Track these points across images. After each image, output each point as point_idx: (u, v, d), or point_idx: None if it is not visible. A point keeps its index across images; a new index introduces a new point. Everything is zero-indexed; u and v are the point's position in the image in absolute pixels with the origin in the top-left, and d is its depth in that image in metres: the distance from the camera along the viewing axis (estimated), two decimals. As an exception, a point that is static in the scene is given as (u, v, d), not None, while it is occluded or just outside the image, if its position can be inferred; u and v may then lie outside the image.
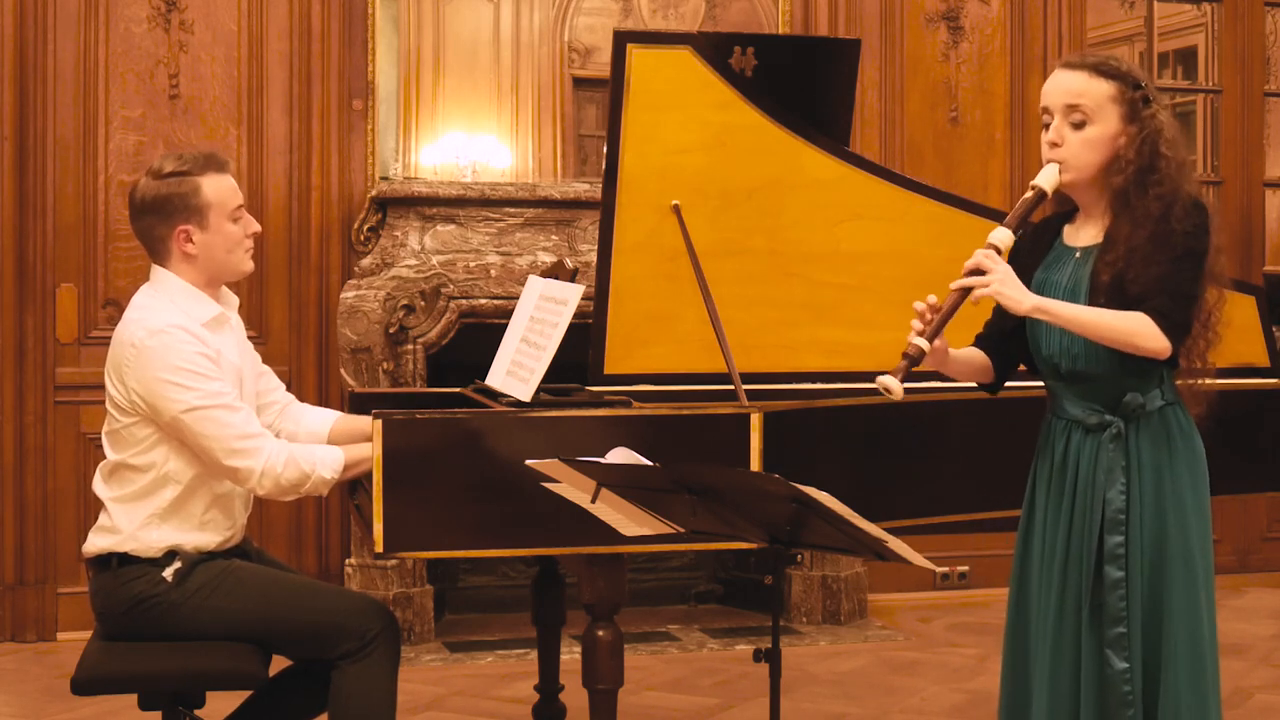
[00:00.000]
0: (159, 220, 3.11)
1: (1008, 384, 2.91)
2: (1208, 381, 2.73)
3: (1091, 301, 2.64)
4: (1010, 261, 2.66)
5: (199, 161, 3.12)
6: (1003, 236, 2.62)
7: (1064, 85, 2.67)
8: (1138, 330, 2.56)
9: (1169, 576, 2.65)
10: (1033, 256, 2.78)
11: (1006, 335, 2.80)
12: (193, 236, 3.10)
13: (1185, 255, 2.60)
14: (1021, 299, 2.56)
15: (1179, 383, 2.72)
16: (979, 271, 2.57)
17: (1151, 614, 2.65)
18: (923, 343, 2.56)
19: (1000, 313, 2.74)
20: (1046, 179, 2.66)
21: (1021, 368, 2.87)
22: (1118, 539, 2.64)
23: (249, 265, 3.20)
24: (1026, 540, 2.81)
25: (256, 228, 3.21)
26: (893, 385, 2.51)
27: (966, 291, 2.57)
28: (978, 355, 2.84)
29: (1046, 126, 2.70)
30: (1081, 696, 2.66)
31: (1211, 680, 2.69)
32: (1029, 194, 2.67)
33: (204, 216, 3.10)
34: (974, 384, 2.88)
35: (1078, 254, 2.73)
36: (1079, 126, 2.65)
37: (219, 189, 3.11)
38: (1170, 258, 2.60)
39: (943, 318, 2.58)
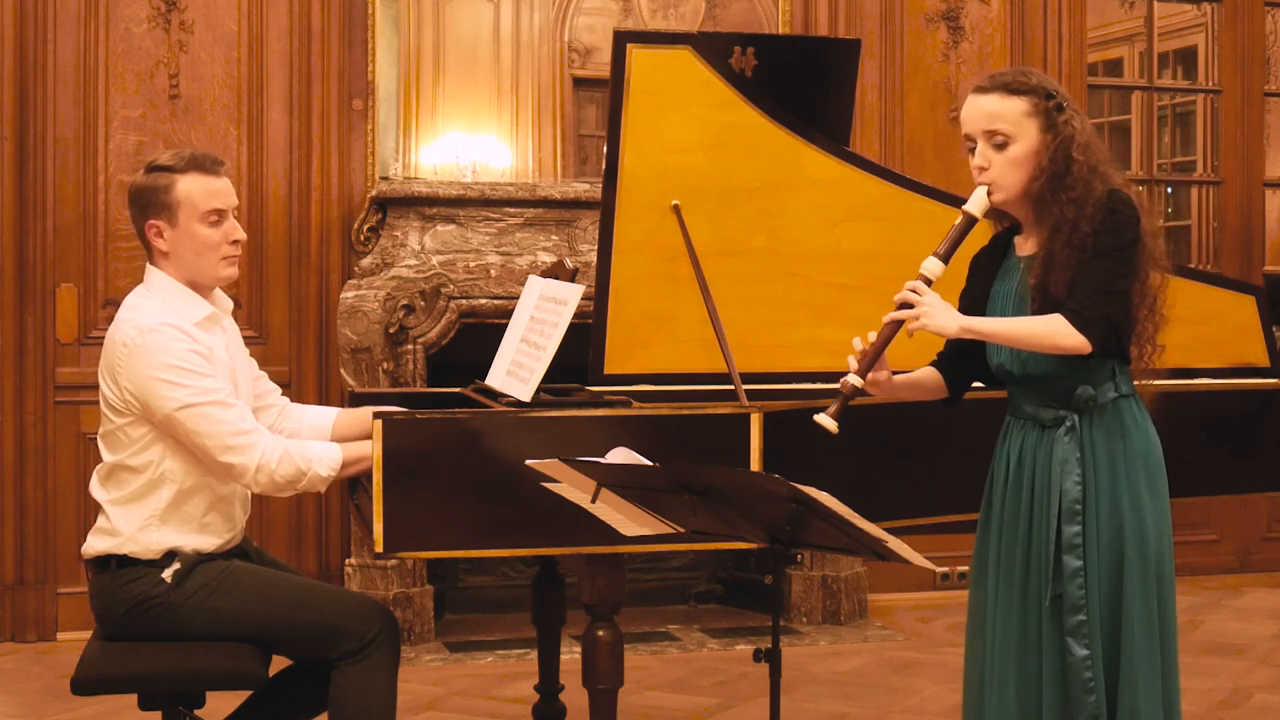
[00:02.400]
0: (136, 212, 3.13)
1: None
2: (1158, 383, 2.79)
3: (1031, 308, 2.70)
4: (972, 277, 2.78)
5: (185, 160, 3.10)
6: (933, 267, 2.69)
7: (980, 109, 2.72)
8: (1053, 331, 2.63)
9: (1126, 565, 2.69)
10: (989, 270, 2.85)
11: (964, 353, 2.87)
12: (163, 233, 3.09)
13: (1098, 254, 2.64)
14: (948, 324, 2.65)
15: (1137, 382, 2.77)
16: (908, 305, 2.65)
17: (1111, 603, 2.69)
18: (854, 379, 2.66)
19: None
20: (975, 204, 2.72)
21: (978, 385, 2.93)
22: (1075, 529, 2.69)
23: (226, 272, 3.14)
24: (984, 539, 2.86)
25: (239, 235, 3.15)
26: (827, 423, 2.62)
27: (898, 324, 2.66)
28: (928, 377, 2.91)
29: (971, 152, 2.74)
30: (1044, 685, 2.71)
31: (1169, 668, 2.73)
32: (959, 220, 2.72)
33: (173, 214, 3.08)
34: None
35: (1022, 264, 2.79)
36: (1001, 147, 2.70)
37: (194, 189, 3.08)
38: (1083, 260, 2.64)
39: (875, 351, 2.68)
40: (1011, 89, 2.70)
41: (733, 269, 3.58)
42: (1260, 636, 5.46)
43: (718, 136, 3.58)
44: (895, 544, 2.36)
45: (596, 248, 3.58)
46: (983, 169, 2.72)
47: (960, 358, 2.88)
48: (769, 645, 2.61)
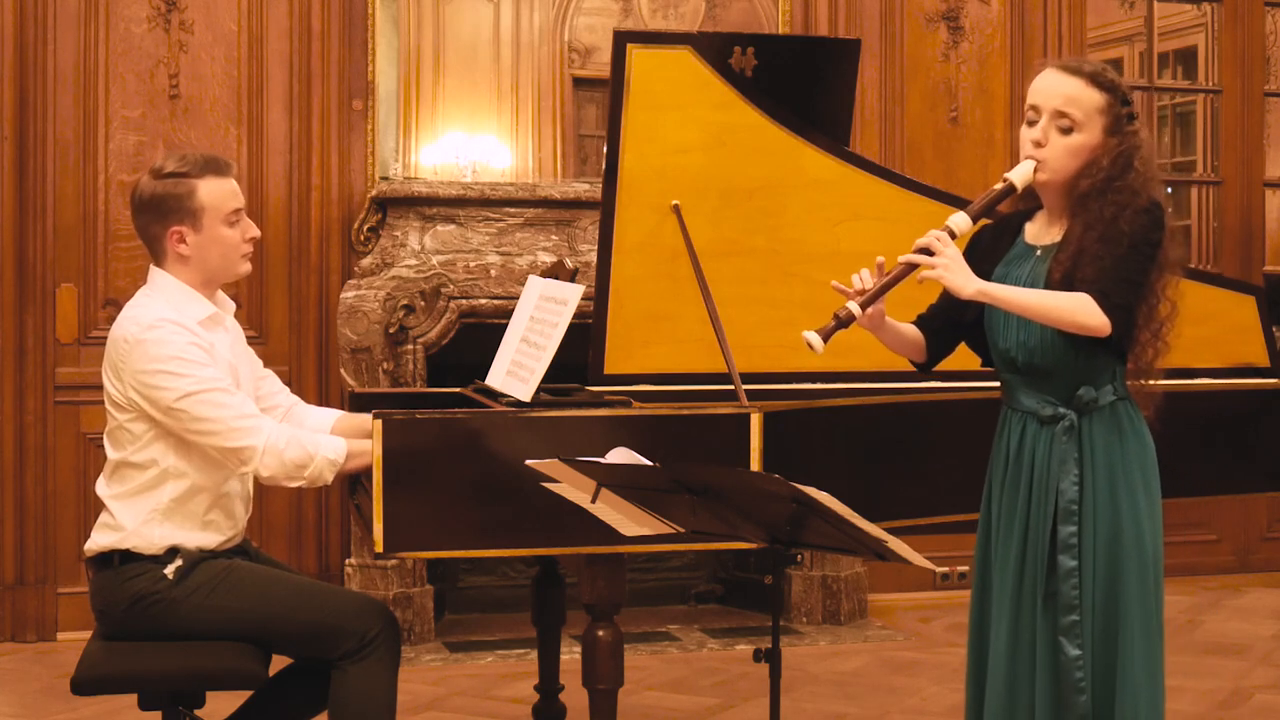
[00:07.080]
0: (154, 219, 3.13)
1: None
2: (1155, 383, 2.77)
3: None
4: (970, 256, 2.69)
5: (199, 164, 3.13)
6: (960, 221, 2.66)
7: (1058, 89, 2.70)
8: (1078, 308, 2.60)
9: (1124, 567, 2.69)
10: (994, 253, 2.81)
11: (954, 324, 2.84)
12: (186, 238, 3.11)
13: (1131, 246, 2.64)
14: (965, 284, 2.61)
15: (1130, 383, 2.76)
16: (928, 251, 2.62)
17: (1106, 603, 2.69)
18: (854, 307, 2.63)
19: (957, 303, 2.75)
20: (1019, 175, 2.70)
21: (981, 362, 2.90)
22: (1071, 529, 2.68)
23: (245, 268, 3.21)
24: (986, 533, 2.85)
25: (255, 233, 3.20)
26: (815, 341, 2.59)
27: (912, 267, 2.63)
28: (913, 331, 2.88)
29: (1031, 123, 2.72)
30: (1036, 683, 2.71)
31: (1160, 666, 2.73)
32: (998, 185, 2.71)
33: (198, 219, 3.11)
34: (955, 374, 2.95)
35: (1038, 252, 2.77)
36: (1065, 132, 2.69)
37: (215, 193, 3.12)
38: (1114, 252, 2.63)
39: (882, 286, 2.65)
40: (1096, 81, 2.69)
41: (733, 269, 3.58)
42: (1260, 636, 5.46)
43: (718, 136, 3.58)
44: (895, 544, 2.36)
45: (596, 248, 3.58)
46: (1039, 144, 2.69)
47: (949, 327, 2.85)
48: (769, 645, 2.60)
